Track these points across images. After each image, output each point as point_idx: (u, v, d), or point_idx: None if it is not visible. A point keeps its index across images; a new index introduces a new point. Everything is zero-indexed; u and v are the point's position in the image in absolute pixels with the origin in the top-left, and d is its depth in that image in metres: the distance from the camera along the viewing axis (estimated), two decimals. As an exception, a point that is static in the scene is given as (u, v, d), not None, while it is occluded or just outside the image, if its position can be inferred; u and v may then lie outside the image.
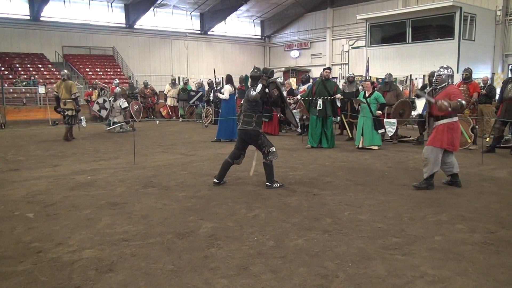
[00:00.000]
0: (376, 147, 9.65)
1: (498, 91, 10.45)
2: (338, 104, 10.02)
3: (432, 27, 19.72)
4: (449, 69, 6.04)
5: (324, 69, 10.25)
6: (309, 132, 10.08)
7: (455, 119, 5.93)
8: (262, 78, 6.17)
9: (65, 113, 11.57)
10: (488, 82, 12.79)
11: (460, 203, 5.32)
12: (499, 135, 9.26)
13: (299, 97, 10.95)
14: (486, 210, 5.04)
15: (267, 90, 6.19)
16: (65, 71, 12.20)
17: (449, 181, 6.23)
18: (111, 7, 26.31)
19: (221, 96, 11.98)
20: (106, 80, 21.78)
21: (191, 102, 16.85)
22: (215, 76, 13.98)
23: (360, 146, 9.70)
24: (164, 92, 18.51)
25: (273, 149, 6.16)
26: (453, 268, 3.47)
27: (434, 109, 5.92)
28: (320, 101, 9.66)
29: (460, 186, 6.07)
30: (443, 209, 5.05)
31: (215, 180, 6.37)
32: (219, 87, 15.64)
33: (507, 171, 7.31)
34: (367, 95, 9.70)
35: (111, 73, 24.65)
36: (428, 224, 4.55)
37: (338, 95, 9.82)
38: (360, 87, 11.44)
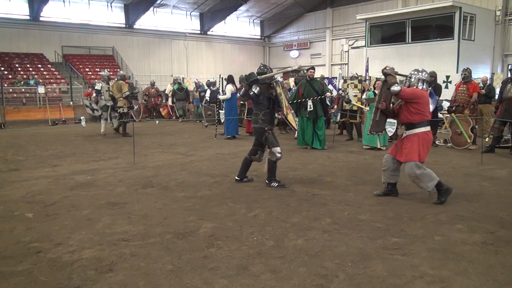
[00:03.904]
0: (384, 147, 9.72)
1: (497, 91, 10.45)
2: (328, 103, 9.98)
3: (432, 27, 19.72)
4: (423, 73, 5.46)
5: (308, 69, 10.15)
6: (300, 134, 10.04)
7: (428, 128, 5.43)
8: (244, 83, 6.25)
9: (118, 111, 12.58)
10: (488, 82, 12.80)
11: (460, 203, 5.32)
12: (498, 135, 9.27)
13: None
14: (486, 210, 5.05)
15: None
16: (121, 72, 13.51)
17: (386, 190, 5.67)
18: (111, 7, 26.28)
19: (222, 97, 12.01)
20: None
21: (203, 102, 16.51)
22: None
23: (378, 146, 9.66)
24: (166, 92, 18.50)
25: (277, 149, 6.12)
26: (453, 268, 3.47)
27: (403, 116, 5.45)
28: (309, 102, 9.59)
29: (398, 195, 5.61)
30: (442, 209, 5.05)
31: (236, 178, 6.50)
32: (215, 87, 15.58)
33: (506, 171, 7.31)
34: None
35: (111, 73, 24.58)
36: (427, 224, 4.56)
37: (328, 94, 9.80)
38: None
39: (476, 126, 9.98)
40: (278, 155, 6.14)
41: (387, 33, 21.08)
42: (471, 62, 16.23)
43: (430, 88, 9.57)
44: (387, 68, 5.51)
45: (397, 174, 5.60)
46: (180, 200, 5.53)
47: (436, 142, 9.99)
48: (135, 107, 17.55)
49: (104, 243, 4.06)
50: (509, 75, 9.75)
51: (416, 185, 5.47)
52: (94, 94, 13.22)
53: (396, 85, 5.25)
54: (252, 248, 3.91)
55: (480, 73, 15.67)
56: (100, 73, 13.52)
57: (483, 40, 19.39)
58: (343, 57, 28.04)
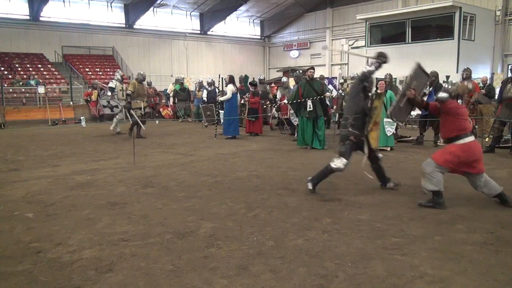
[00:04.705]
0: (389, 148, 9.46)
1: (497, 91, 10.45)
2: (328, 103, 9.97)
3: (432, 27, 19.70)
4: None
5: (307, 69, 10.12)
6: (299, 134, 10.02)
7: (467, 139, 5.09)
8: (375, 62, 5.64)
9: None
10: (488, 82, 12.80)
11: (460, 203, 5.32)
12: (498, 135, 9.27)
13: (285, 101, 10.91)
14: (486, 210, 5.04)
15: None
16: (141, 72, 12.92)
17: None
18: (111, 7, 26.31)
19: (222, 98, 12.05)
20: (106, 80, 21.74)
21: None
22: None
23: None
24: (167, 92, 18.51)
25: (343, 161, 5.61)
26: (453, 268, 3.47)
27: (442, 131, 5.31)
28: (309, 102, 9.54)
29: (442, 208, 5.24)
30: (442, 209, 5.04)
31: (388, 185, 6.05)
32: (212, 87, 15.69)
33: (506, 171, 7.31)
34: None
35: (111, 73, 24.62)
36: (427, 224, 4.56)
37: (328, 94, 9.79)
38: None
39: (476, 126, 9.98)
40: (342, 166, 5.60)
41: (387, 33, 21.07)
42: (471, 62, 16.21)
43: (431, 88, 9.58)
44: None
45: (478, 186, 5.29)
46: (180, 200, 5.53)
47: (437, 142, 9.97)
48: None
49: (104, 243, 4.06)
50: (509, 75, 9.73)
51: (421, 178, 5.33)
52: (109, 93, 13.21)
53: (445, 94, 5.09)
54: (252, 248, 3.91)
55: (480, 73, 15.67)
56: (115, 73, 13.51)
57: (483, 40, 19.37)
58: (343, 57, 28.05)
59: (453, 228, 4.40)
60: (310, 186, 5.80)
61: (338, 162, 5.64)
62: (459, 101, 5.21)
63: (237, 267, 3.51)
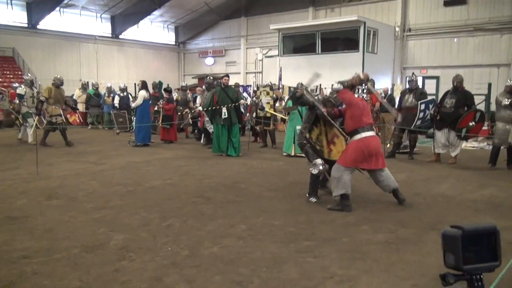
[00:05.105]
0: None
1: (397, 100, 11.33)
2: (242, 110, 10.13)
3: (340, 40, 20.84)
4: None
5: (222, 77, 10.24)
6: (214, 141, 10.04)
7: (364, 134, 5.43)
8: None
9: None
10: (388, 92, 13.84)
11: (365, 205, 5.67)
12: (398, 141, 10.04)
13: (200, 108, 10.91)
14: (388, 211, 5.43)
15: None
16: (57, 76, 11.85)
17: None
18: (11, 5, 24.32)
19: (134, 104, 11.70)
20: (5, 84, 20.02)
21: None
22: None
23: (292, 154, 9.70)
24: (74, 98, 17.52)
25: (318, 161, 5.63)
26: (359, 267, 3.68)
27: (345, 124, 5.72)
28: (224, 109, 9.63)
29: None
30: (349, 212, 5.33)
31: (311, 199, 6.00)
32: (124, 93, 15.24)
33: (405, 174, 7.93)
34: None
35: (11, 76, 22.75)
36: (336, 226, 4.79)
37: (242, 101, 9.96)
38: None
39: (379, 134, 10.72)
40: (320, 167, 5.59)
41: (299, 43, 21.89)
42: (374, 74, 17.31)
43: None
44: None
45: (379, 181, 5.70)
46: (89, 212, 5.25)
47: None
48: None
49: (1, 262, 3.71)
50: (407, 86, 10.61)
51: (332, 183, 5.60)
52: (17, 100, 12.07)
53: (340, 84, 5.59)
54: (166, 258, 3.82)
55: (382, 84, 16.87)
56: (24, 77, 12.41)
57: (384, 53, 20.89)
58: (257, 66, 28.61)
59: (359, 229, 4.67)
60: (313, 199, 5.80)
61: (314, 168, 5.66)
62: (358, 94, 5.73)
63: (150, 279, 3.41)
